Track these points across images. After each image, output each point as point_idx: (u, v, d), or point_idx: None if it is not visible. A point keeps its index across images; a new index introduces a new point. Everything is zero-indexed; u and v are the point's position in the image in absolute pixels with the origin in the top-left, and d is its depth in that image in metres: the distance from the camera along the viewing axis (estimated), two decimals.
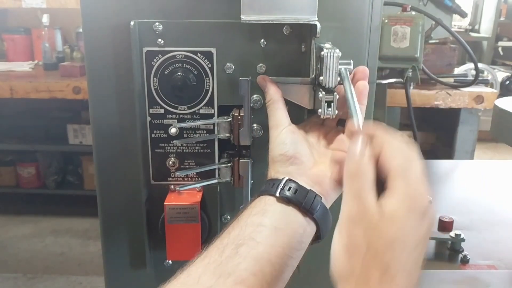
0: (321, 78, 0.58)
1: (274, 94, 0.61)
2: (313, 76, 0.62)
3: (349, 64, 0.59)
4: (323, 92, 0.58)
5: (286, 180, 0.54)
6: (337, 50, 0.57)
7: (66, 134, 2.62)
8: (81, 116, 2.66)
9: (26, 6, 2.42)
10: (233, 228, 0.52)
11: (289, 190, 0.53)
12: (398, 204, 0.39)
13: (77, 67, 2.34)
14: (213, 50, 0.66)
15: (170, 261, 0.73)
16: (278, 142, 0.58)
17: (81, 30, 2.67)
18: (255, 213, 0.52)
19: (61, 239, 2.56)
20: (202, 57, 0.66)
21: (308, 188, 0.54)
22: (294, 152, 0.57)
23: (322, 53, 0.57)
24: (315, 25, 0.60)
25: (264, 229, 0.51)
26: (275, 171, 0.57)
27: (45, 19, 2.54)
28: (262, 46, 0.65)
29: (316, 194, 0.54)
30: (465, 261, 0.92)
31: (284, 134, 0.58)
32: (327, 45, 0.60)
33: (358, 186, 0.41)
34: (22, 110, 2.84)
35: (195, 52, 0.66)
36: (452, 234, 0.95)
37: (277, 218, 0.52)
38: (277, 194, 0.53)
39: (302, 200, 0.53)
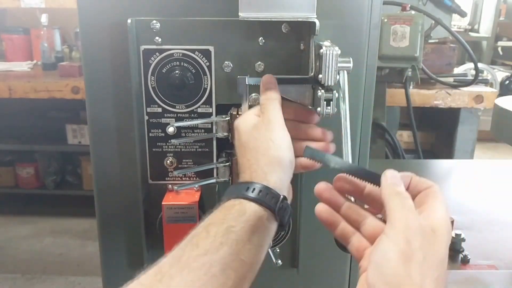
0: (320, 76, 0.57)
1: (275, 94, 0.60)
2: (312, 74, 0.62)
3: (348, 62, 0.59)
4: (322, 90, 0.58)
5: (283, 198, 0.53)
6: (336, 48, 0.57)
7: (65, 134, 2.61)
8: (80, 116, 2.65)
9: (25, 6, 2.41)
10: (221, 244, 0.48)
11: (283, 209, 0.52)
12: (443, 222, 0.43)
13: (76, 67, 2.33)
14: (211, 48, 0.65)
15: None
16: (284, 144, 0.55)
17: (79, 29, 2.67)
18: (247, 229, 0.49)
19: (60, 240, 2.55)
20: (200, 55, 0.65)
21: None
22: (291, 159, 0.55)
23: (321, 50, 0.57)
24: (314, 23, 0.59)
25: (251, 248, 0.49)
26: (264, 173, 0.53)
27: (44, 19, 2.54)
28: (260, 44, 0.65)
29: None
30: (465, 261, 0.91)
31: (284, 136, 0.56)
32: (326, 43, 0.59)
33: (410, 203, 0.44)
34: (21, 110, 2.84)
35: (193, 50, 0.65)
36: (452, 234, 0.95)
37: (264, 235, 0.51)
38: (276, 212, 0.51)
39: (286, 219, 0.53)
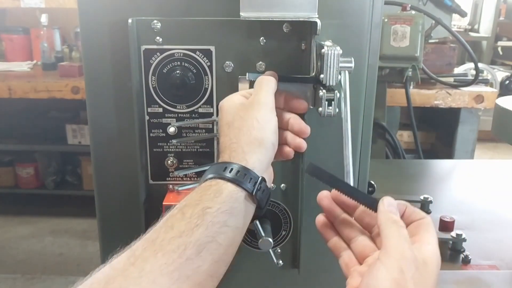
0: (322, 76, 0.57)
1: (271, 78, 0.59)
2: (313, 74, 0.62)
3: (350, 62, 0.58)
4: (324, 90, 0.57)
5: (262, 179, 0.52)
6: (338, 48, 0.56)
7: (65, 134, 2.61)
8: (80, 116, 2.65)
9: (24, 6, 2.41)
10: (197, 226, 0.46)
11: (261, 190, 0.51)
12: (434, 255, 0.45)
13: (75, 67, 2.33)
14: (212, 48, 0.65)
15: None
16: (270, 126, 0.54)
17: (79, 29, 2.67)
18: (223, 210, 0.48)
19: (60, 240, 2.55)
20: (201, 55, 0.65)
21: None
22: (274, 142, 0.54)
23: (323, 50, 0.56)
24: (316, 22, 0.59)
25: (228, 230, 0.48)
26: (243, 153, 0.52)
27: (43, 19, 2.54)
28: (261, 44, 0.65)
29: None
30: (466, 261, 0.91)
31: (271, 119, 0.55)
32: (328, 43, 0.59)
33: (405, 233, 0.45)
34: (21, 110, 2.83)
35: (193, 50, 0.65)
36: (453, 234, 0.95)
37: (241, 217, 0.50)
38: (254, 193, 0.50)
39: (265, 201, 0.53)
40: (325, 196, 0.53)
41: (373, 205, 0.49)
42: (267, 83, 0.57)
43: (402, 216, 0.48)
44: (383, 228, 0.45)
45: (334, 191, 0.53)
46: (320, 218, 0.54)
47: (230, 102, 0.57)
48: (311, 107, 0.63)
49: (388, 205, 0.47)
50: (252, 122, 0.53)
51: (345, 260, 0.51)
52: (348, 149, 0.58)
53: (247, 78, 0.62)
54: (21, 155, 2.76)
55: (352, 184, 0.55)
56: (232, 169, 0.50)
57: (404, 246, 0.43)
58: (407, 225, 0.47)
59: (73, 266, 2.33)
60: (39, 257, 2.40)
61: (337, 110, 0.58)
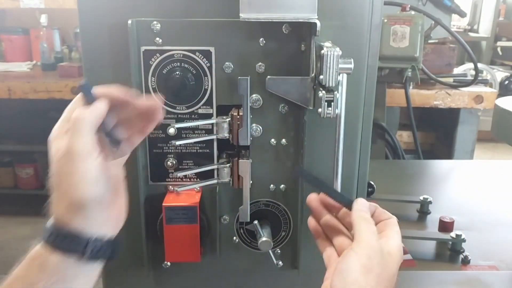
0: (321, 77, 0.57)
1: (88, 110, 0.49)
2: (313, 75, 0.62)
3: (349, 63, 0.59)
4: (323, 91, 0.57)
5: (95, 239, 0.49)
6: (337, 49, 0.57)
7: None
8: None
9: (24, 7, 2.41)
10: None
11: (95, 250, 0.48)
12: (397, 248, 0.52)
13: (75, 67, 2.33)
14: (212, 49, 0.65)
15: (168, 263, 0.73)
16: (87, 180, 0.47)
17: (79, 30, 2.67)
18: (53, 282, 0.47)
19: None
20: (201, 56, 0.65)
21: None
22: (97, 194, 0.48)
23: (322, 51, 0.57)
24: (315, 24, 0.59)
25: None
26: (68, 214, 0.48)
27: (43, 19, 2.54)
28: (261, 45, 0.65)
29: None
30: (466, 261, 0.91)
31: (90, 169, 0.47)
32: (327, 44, 0.59)
33: (374, 228, 0.53)
34: (20, 111, 2.83)
35: (193, 51, 0.65)
36: (452, 234, 0.95)
37: (79, 281, 0.49)
38: (85, 256, 0.48)
39: (110, 255, 0.50)
40: (313, 198, 0.60)
41: (349, 205, 0.56)
42: (86, 125, 0.48)
43: (372, 215, 0.55)
44: (355, 224, 0.53)
45: (322, 194, 0.59)
46: (310, 220, 0.61)
47: (56, 145, 0.49)
48: (311, 108, 0.63)
49: (361, 205, 0.55)
50: (68, 180, 0.47)
51: (327, 254, 0.58)
52: (339, 153, 0.60)
53: (78, 85, 0.51)
54: (20, 156, 2.76)
55: (339, 184, 0.62)
56: (57, 235, 0.48)
57: (373, 238, 0.51)
58: (377, 223, 0.55)
59: None
60: None
61: (336, 111, 0.58)
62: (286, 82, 0.64)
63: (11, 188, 2.80)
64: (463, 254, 0.92)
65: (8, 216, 2.78)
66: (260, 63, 0.65)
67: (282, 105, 0.67)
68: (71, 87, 2.19)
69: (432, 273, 0.87)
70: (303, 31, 0.64)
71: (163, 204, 0.67)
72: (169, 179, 0.70)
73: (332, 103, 0.58)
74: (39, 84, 2.22)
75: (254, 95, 0.66)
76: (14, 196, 2.88)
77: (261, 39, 0.65)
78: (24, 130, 2.74)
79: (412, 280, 0.85)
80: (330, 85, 0.57)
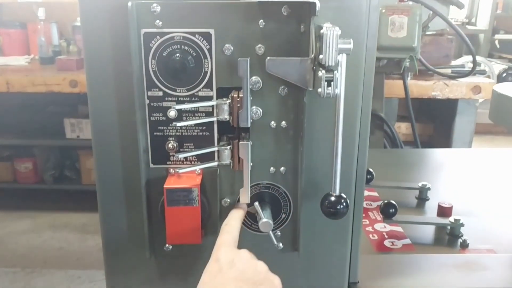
0: (321, 56, 0.58)
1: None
2: (312, 56, 0.62)
3: (348, 43, 0.59)
4: (323, 71, 0.58)
5: None
6: (337, 28, 0.57)
7: (63, 129, 2.60)
8: (78, 110, 2.65)
9: (21, 1, 2.41)
10: None
11: None
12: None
13: (73, 60, 2.33)
14: (212, 31, 0.65)
15: (170, 246, 0.73)
16: None
17: (77, 23, 2.67)
18: None
19: (59, 234, 2.55)
20: (201, 39, 0.65)
21: None
22: None
23: (322, 31, 0.57)
24: (314, 3, 0.59)
25: None
26: None
27: (40, 13, 2.53)
28: (261, 26, 0.65)
29: None
30: (464, 245, 0.92)
31: None
32: (327, 24, 0.59)
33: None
34: (19, 105, 2.83)
35: (193, 34, 0.65)
36: (451, 219, 0.96)
37: None
38: None
39: None
40: None
41: None
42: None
43: None
44: None
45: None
46: None
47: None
48: (310, 89, 0.64)
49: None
50: None
51: None
52: (338, 131, 0.60)
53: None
54: (19, 150, 2.76)
55: (339, 167, 0.62)
56: None
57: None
58: None
59: (73, 260, 2.34)
60: (38, 251, 2.41)
61: (336, 91, 0.58)
62: (285, 63, 0.64)
63: (10, 183, 2.80)
64: (462, 238, 0.93)
65: (7, 210, 2.78)
66: (259, 45, 0.66)
67: (282, 87, 0.67)
68: (70, 80, 2.19)
69: (431, 256, 0.88)
70: (302, 13, 0.64)
71: (164, 186, 0.68)
72: (170, 162, 0.70)
73: (332, 83, 0.58)
74: (37, 78, 2.22)
75: (253, 77, 0.66)
76: (13, 190, 2.89)
77: (260, 21, 0.65)
78: (22, 124, 2.75)
79: (412, 263, 0.86)
80: (330, 64, 0.57)
